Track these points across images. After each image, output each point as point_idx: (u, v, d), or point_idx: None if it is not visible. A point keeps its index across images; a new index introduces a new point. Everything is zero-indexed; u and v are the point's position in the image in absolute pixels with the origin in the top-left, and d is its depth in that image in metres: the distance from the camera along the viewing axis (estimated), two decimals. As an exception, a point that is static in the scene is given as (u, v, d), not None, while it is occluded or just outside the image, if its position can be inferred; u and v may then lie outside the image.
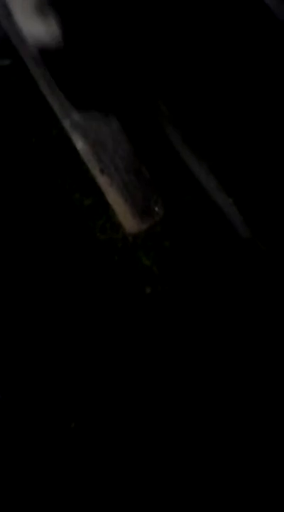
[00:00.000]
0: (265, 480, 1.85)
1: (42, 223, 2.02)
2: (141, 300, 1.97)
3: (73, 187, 2.08)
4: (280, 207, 1.95)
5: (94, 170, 1.95)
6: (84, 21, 1.94)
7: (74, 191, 2.08)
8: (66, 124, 1.96)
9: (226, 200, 1.93)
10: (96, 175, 1.95)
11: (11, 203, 2.05)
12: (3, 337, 1.91)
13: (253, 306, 1.96)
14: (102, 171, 1.95)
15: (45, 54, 1.93)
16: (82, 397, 1.86)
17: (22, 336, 1.91)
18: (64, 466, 1.82)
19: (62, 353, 1.91)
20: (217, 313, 1.96)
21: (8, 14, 2.00)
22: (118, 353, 1.92)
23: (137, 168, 1.97)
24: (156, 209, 1.94)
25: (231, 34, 1.93)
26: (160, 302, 1.97)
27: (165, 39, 1.93)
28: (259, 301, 1.96)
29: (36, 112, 2.10)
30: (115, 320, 1.96)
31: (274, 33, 1.90)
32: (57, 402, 1.85)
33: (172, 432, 1.86)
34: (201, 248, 2.01)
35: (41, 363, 1.89)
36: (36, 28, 1.92)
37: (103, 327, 1.94)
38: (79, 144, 1.94)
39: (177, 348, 1.93)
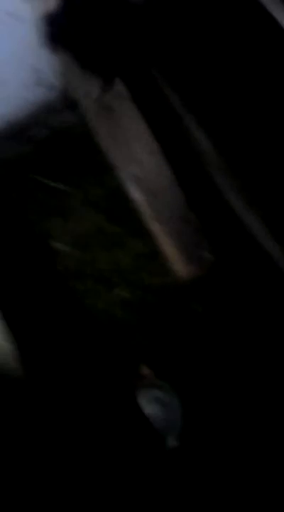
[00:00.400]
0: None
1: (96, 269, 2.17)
2: (188, 343, 2.07)
3: (128, 234, 2.21)
4: None
5: (148, 218, 2.07)
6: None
7: (130, 238, 2.21)
8: (123, 175, 2.09)
9: (275, 247, 2.00)
10: (150, 223, 2.07)
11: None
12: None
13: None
14: (155, 219, 2.06)
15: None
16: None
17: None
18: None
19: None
20: (265, 358, 2.03)
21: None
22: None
23: (187, 216, 2.07)
24: (205, 255, 2.04)
25: None
26: (207, 346, 2.06)
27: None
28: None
29: (97, 166, 2.26)
30: (161, 358, 2.06)
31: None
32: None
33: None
34: (249, 292, 2.08)
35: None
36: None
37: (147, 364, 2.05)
38: (134, 194, 2.07)
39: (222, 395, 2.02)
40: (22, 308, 2.11)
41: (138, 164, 2.10)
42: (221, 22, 1.86)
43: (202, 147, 2.09)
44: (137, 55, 2.16)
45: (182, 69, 2.09)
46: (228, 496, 1.92)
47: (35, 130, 2.35)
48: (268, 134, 1.97)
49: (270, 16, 1.80)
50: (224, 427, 2.01)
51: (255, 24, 1.80)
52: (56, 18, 1.98)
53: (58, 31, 2.03)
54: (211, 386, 2.05)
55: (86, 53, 2.06)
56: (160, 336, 2.13)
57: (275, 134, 1.96)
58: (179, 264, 2.06)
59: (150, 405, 2.06)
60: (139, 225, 2.10)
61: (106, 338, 2.13)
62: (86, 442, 1.88)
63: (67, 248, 2.26)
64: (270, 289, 2.07)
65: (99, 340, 2.12)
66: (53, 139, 2.36)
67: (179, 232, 2.06)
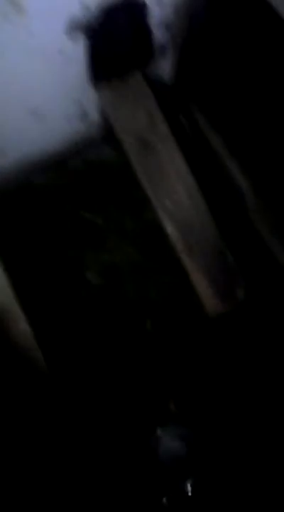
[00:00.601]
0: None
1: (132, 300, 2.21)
2: (217, 378, 2.08)
3: (161, 268, 2.25)
4: None
5: (181, 252, 2.10)
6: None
7: (162, 272, 2.25)
8: (159, 210, 2.13)
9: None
10: (182, 257, 2.10)
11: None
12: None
13: None
14: (188, 254, 2.10)
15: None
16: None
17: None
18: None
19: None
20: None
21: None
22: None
23: (221, 252, 2.10)
24: (238, 292, 2.06)
25: None
26: (235, 381, 2.07)
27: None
28: None
29: (133, 199, 2.31)
30: (189, 393, 2.07)
31: None
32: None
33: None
34: (280, 329, 2.10)
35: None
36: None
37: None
38: (169, 228, 2.11)
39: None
40: (55, 335, 2.15)
41: (173, 199, 2.14)
42: (266, 65, 1.91)
43: (239, 184, 2.14)
44: (180, 94, 2.24)
45: (223, 109, 2.15)
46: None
47: (73, 162, 2.41)
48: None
49: None
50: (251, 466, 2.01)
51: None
52: (101, 54, 2.06)
53: (102, 68, 2.11)
54: (239, 424, 2.06)
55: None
56: (189, 370, 2.14)
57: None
58: (209, 300, 2.08)
59: (173, 442, 2.06)
60: (172, 259, 2.13)
61: (134, 371, 2.15)
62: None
63: (99, 279, 2.29)
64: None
65: (126, 372, 2.14)
66: (91, 171, 2.42)
67: (212, 268, 2.08)
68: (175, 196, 2.16)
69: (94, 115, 2.29)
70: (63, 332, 2.17)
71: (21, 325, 1.94)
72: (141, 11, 2.03)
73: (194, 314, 2.18)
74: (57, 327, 2.17)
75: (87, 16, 1.94)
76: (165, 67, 2.27)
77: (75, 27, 1.95)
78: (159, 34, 2.11)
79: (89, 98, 2.19)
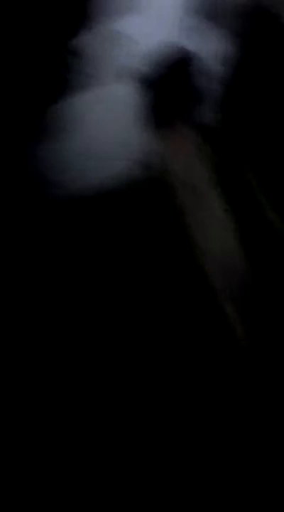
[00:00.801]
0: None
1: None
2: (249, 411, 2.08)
3: (200, 308, 2.29)
4: None
5: (223, 296, 2.15)
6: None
7: (201, 312, 2.29)
8: (203, 253, 2.20)
9: None
10: (224, 301, 2.14)
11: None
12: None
13: None
14: (230, 299, 2.14)
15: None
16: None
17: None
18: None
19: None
20: None
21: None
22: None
23: (256, 292, 2.14)
24: (270, 330, 2.08)
25: None
26: (259, 409, 2.06)
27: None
28: None
29: (181, 242, 2.39)
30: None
31: None
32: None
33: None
34: None
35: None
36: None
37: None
38: (212, 272, 2.17)
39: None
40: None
41: (219, 245, 2.20)
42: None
43: (280, 232, 2.18)
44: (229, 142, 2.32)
45: (267, 157, 2.22)
46: None
47: (124, 203, 2.52)
48: None
49: None
50: None
51: None
52: (153, 103, 2.20)
53: (154, 116, 2.24)
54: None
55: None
56: (222, 403, 2.15)
57: None
58: (244, 339, 2.11)
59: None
60: (211, 299, 2.18)
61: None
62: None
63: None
64: None
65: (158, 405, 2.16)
66: (140, 212, 2.51)
67: (247, 309, 2.12)
68: (220, 242, 2.22)
69: (146, 160, 2.40)
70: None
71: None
72: (195, 64, 2.17)
73: (232, 356, 2.19)
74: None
75: (143, 67, 2.08)
76: (214, 115, 2.37)
77: (132, 77, 2.10)
78: (210, 85, 2.23)
79: (141, 144, 2.31)
